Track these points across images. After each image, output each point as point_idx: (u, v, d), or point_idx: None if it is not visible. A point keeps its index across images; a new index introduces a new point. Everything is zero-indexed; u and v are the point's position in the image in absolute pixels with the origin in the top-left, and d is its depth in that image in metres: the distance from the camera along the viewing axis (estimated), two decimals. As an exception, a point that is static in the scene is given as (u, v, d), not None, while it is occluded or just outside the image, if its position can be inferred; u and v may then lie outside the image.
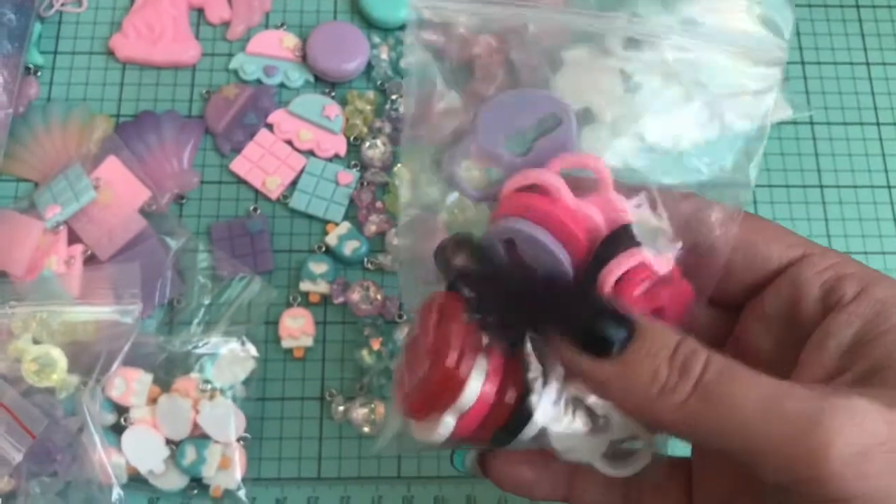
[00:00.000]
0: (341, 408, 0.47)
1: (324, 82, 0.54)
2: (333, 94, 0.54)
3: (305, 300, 0.49)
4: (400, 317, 0.48)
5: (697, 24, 0.28)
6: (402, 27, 0.55)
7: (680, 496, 0.31)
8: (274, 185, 0.51)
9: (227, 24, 0.55)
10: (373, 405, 0.46)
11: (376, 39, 0.54)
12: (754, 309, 0.31)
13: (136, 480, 0.44)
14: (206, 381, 0.45)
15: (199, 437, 0.45)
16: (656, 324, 0.26)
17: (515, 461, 0.31)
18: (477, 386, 0.27)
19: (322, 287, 0.49)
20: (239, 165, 0.52)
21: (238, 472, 0.44)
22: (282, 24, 0.55)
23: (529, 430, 0.28)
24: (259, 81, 0.54)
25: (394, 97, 0.52)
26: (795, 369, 0.28)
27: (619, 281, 0.28)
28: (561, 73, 0.29)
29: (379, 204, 0.51)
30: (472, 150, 0.29)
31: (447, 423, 0.28)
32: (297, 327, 0.48)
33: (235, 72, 0.54)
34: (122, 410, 0.45)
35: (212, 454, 0.44)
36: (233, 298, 0.48)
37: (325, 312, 0.49)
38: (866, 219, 0.53)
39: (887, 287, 0.28)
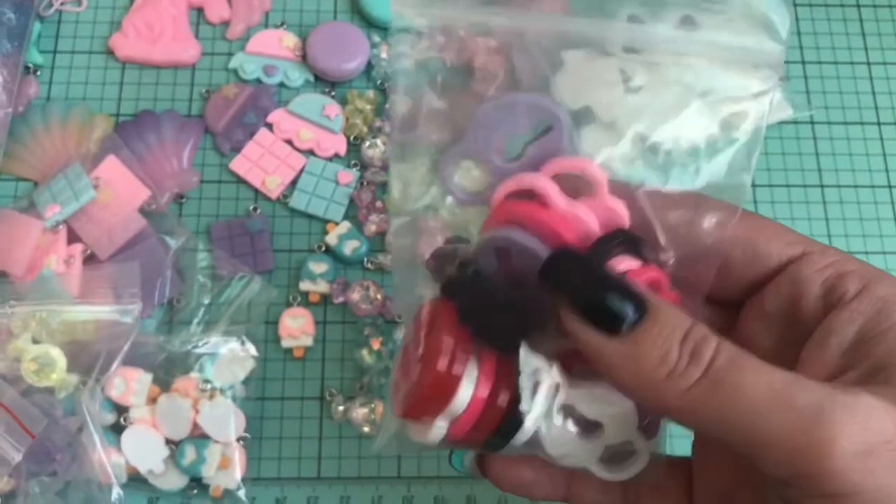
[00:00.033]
0: (341, 407, 0.47)
1: (324, 82, 0.54)
2: (333, 93, 0.54)
3: (305, 300, 0.49)
4: (399, 317, 0.48)
5: (696, 25, 0.28)
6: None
7: (679, 495, 0.31)
8: (274, 185, 0.51)
9: (226, 24, 0.55)
10: (373, 405, 0.46)
11: (376, 39, 0.54)
12: (754, 307, 0.30)
13: (135, 480, 0.44)
14: (206, 381, 0.45)
15: (199, 436, 0.45)
16: (669, 305, 0.26)
17: (514, 461, 0.31)
18: (468, 391, 0.27)
19: (322, 287, 0.49)
20: (239, 165, 0.52)
21: (238, 471, 0.44)
22: (282, 24, 0.55)
23: (521, 436, 0.28)
24: (259, 81, 0.54)
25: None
26: (796, 367, 0.28)
27: None
28: (561, 73, 0.29)
29: (379, 203, 0.51)
30: (463, 156, 0.29)
31: (439, 427, 0.28)
32: (297, 327, 0.48)
33: (235, 71, 0.54)
34: (121, 410, 0.45)
35: (211, 454, 0.44)
36: (232, 298, 0.48)
37: (325, 312, 0.49)
38: (867, 218, 0.53)
39: (889, 284, 0.27)
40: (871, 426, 0.23)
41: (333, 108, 0.53)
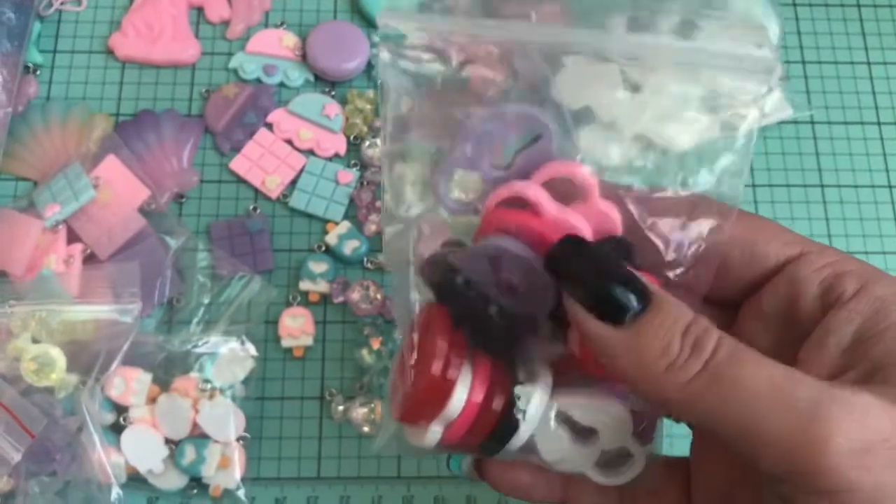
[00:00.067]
0: (341, 407, 0.47)
1: (324, 81, 0.54)
2: (333, 93, 0.54)
3: (305, 299, 0.49)
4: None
5: (696, 28, 0.28)
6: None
7: (678, 496, 0.31)
8: (274, 185, 0.51)
9: (226, 23, 0.55)
10: (372, 405, 0.46)
11: (376, 38, 0.54)
12: (752, 307, 0.30)
13: (135, 480, 0.44)
14: (206, 381, 0.45)
15: (199, 436, 0.45)
16: (672, 297, 0.26)
17: (511, 465, 0.31)
18: (462, 395, 0.27)
19: (322, 286, 0.49)
20: (238, 164, 0.52)
21: (237, 471, 0.44)
22: (281, 23, 0.55)
23: (516, 441, 0.28)
24: (259, 80, 0.54)
25: (394, 96, 0.52)
26: (795, 367, 0.28)
27: None
28: (561, 73, 0.29)
29: (379, 203, 0.51)
30: (455, 166, 0.29)
31: (434, 431, 0.28)
32: (297, 326, 0.48)
33: (235, 71, 0.54)
34: (121, 410, 0.45)
35: (211, 454, 0.44)
36: (232, 298, 0.48)
37: (325, 312, 0.49)
38: (867, 218, 0.53)
39: (887, 284, 0.27)
40: (868, 424, 0.23)
41: (333, 108, 0.53)
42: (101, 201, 0.49)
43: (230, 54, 0.54)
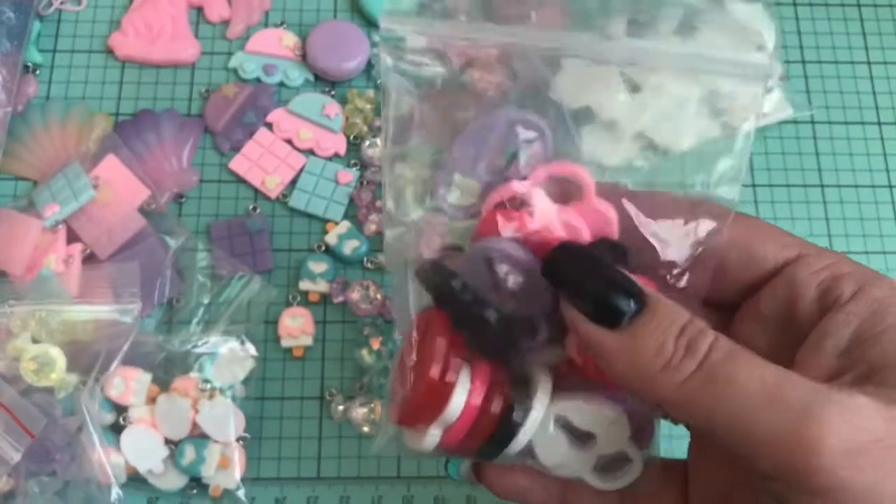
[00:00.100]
0: (341, 407, 0.47)
1: (324, 81, 0.54)
2: (333, 92, 0.54)
3: (305, 299, 0.49)
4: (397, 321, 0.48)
5: (695, 29, 0.28)
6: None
7: (676, 498, 0.31)
8: (273, 184, 0.51)
9: (226, 23, 0.55)
10: (372, 405, 0.46)
11: (376, 38, 0.54)
12: (750, 309, 0.31)
13: (135, 480, 0.44)
14: (206, 381, 0.45)
15: (199, 436, 0.45)
16: (667, 300, 0.26)
17: (509, 469, 0.31)
18: (461, 399, 0.27)
19: (322, 286, 0.49)
20: (238, 164, 0.51)
21: (237, 471, 0.44)
22: (281, 23, 0.55)
23: (515, 446, 0.28)
24: (258, 80, 0.54)
25: (394, 96, 0.52)
26: (792, 369, 0.28)
27: None
28: (561, 74, 0.29)
29: (379, 203, 0.51)
30: (453, 172, 0.29)
31: (433, 435, 0.28)
32: (297, 326, 0.48)
33: (235, 70, 0.54)
34: (121, 410, 0.45)
35: (211, 454, 0.44)
36: (232, 297, 0.48)
37: (325, 311, 0.49)
38: (867, 218, 0.53)
39: (884, 287, 0.28)
40: (860, 424, 0.23)
41: (333, 108, 0.53)
42: (100, 201, 0.49)
43: (230, 54, 0.54)
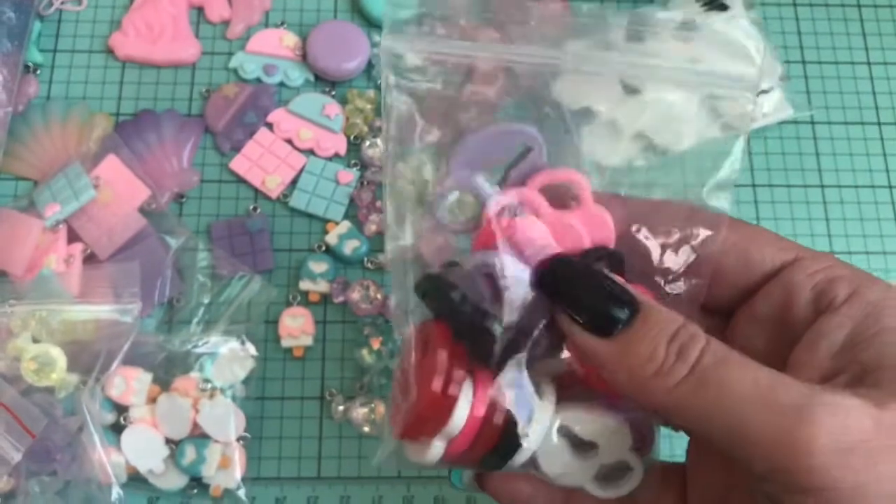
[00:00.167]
0: (341, 407, 0.47)
1: (324, 81, 0.54)
2: (333, 92, 0.54)
3: (305, 299, 0.49)
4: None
5: (695, 29, 0.28)
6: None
7: (675, 501, 0.31)
8: (274, 184, 0.51)
9: (226, 23, 0.55)
10: (373, 405, 0.46)
11: (377, 38, 0.54)
12: (746, 313, 0.31)
13: (135, 480, 0.44)
14: (206, 381, 0.45)
15: (199, 436, 0.45)
16: (659, 306, 0.27)
17: (512, 476, 0.31)
18: (464, 411, 0.27)
19: (322, 286, 0.49)
20: (239, 164, 0.52)
21: (238, 471, 0.44)
22: (282, 23, 0.55)
23: (519, 457, 0.28)
24: (259, 80, 0.54)
25: (394, 96, 0.52)
26: (786, 370, 0.28)
27: None
28: (560, 78, 0.29)
29: (379, 203, 0.51)
30: (452, 188, 0.29)
31: (436, 447, 0.28)
32: (297, 326, 0.48)
33: (235, 70, 0.54)
34: (121, 409, 0.45)
35: (211, 453, 0.44)
36: (232, 297, 0.48)
37: (325, 311, 0.49)
38: (867, 218, 0.53)
39: (878, 289, 0.28)
40: (851, 425, 0.24)
41: (333, 108, 0.53)
42: (101, 201, 0.49)
43: (230, 54, 0.54)
